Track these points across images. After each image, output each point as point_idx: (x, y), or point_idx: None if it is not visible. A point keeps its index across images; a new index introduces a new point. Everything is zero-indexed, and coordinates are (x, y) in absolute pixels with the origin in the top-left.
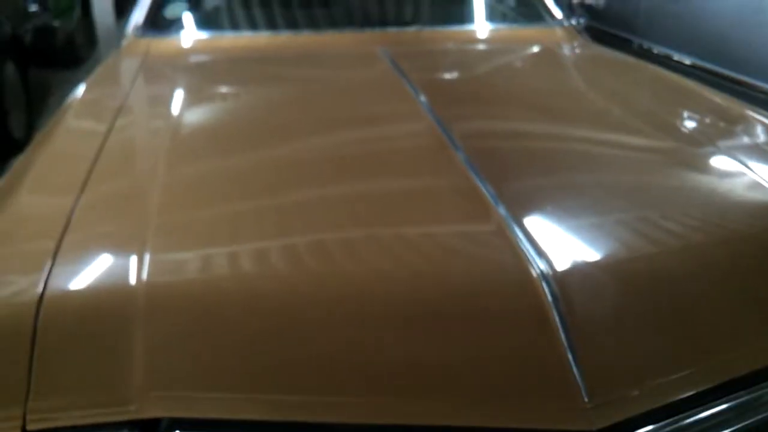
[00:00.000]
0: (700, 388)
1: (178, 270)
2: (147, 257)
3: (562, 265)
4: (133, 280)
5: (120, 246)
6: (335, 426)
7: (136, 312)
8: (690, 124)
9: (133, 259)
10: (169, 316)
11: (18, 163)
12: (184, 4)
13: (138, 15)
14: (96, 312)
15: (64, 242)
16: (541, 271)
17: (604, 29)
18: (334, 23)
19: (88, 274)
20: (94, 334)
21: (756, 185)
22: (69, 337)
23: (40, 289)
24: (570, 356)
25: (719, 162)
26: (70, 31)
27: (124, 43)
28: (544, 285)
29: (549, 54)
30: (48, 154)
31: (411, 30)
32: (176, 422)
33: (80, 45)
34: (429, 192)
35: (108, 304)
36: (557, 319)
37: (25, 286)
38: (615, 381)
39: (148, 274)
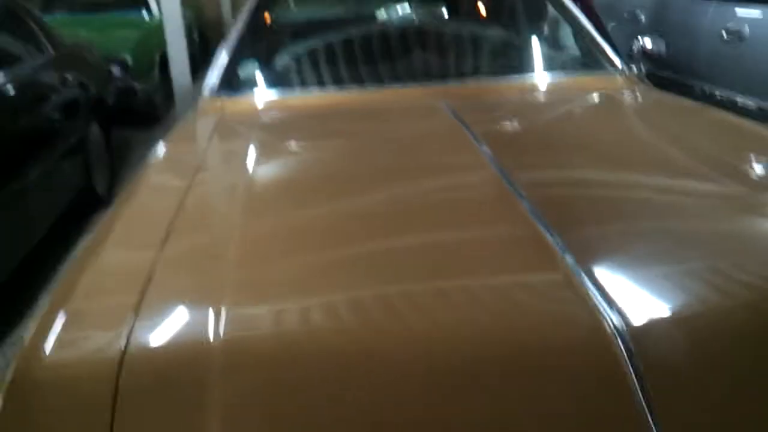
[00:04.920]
0: None
1: (255, 325)
2: (224, 312)
3: (635, 318)
4: (211, 335)
5: (199, 301)
6: None
7: (213, 367)
8: (758, 169)
9: (211, 315)
10: (247, 371)
11: (104, 220)
12: (256, 65)
13: (213, 75)
14: (176, 368)
15: (146, 298)
16: (614, 325)
17: (666, 75)
18: (397, 78)
19: (168, 329)
20: (173, 390)
21: None
22: (150, 392)
23: (122, 344)
24: (649, 417)
25: None
26: (150, 91)
27: (200, 102)
28: (618, 339)
29: (610, 101)
30: (130, 211)
31: (472, 82)
32: None
33: (159, 104)
34: (495, 242)
35: (187, 360)
36: (633, 376)
37: (108, 342)
38: None
39: (225, 330)
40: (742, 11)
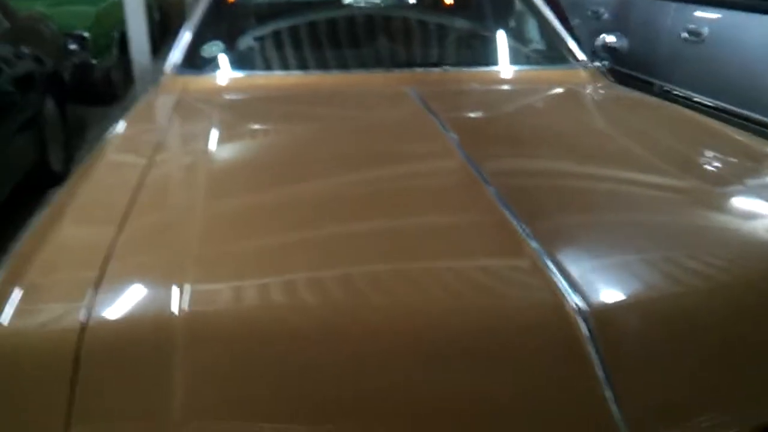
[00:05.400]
0: (739, 430)
1: (217, 301)
2: (186, 287)
3: (597, 300)
4: (172, 309)
5: (161, 276)
6: None
7: (175, 341)
8: (715, 163)
9: (174, 289)
10: (209, 346)
11: (59, 195)
12: (220, 45)
13: (175, 53)
14: (137, 340)
15: (107, 272)
16: (577, 307)
17: (628, 72)
18: (364, 63)
19: (130, 303)
20: (134, 363)
21: None
22: (110, 365)
23: (83, 317)
24: (608, 394)
25: (745, 201)
26: (108, 69)
27: (162, 80)
28: (581, 321)
29: (574, 95)
30: (90, 185)
31: (438, 71)
32: None
33: (117, 82)
34: (461, 227)
35: (149, 333)
36: (594, 355)
37: (69, 314)
38: (654, 419)
39: (188, 305)
40: (702, 13)
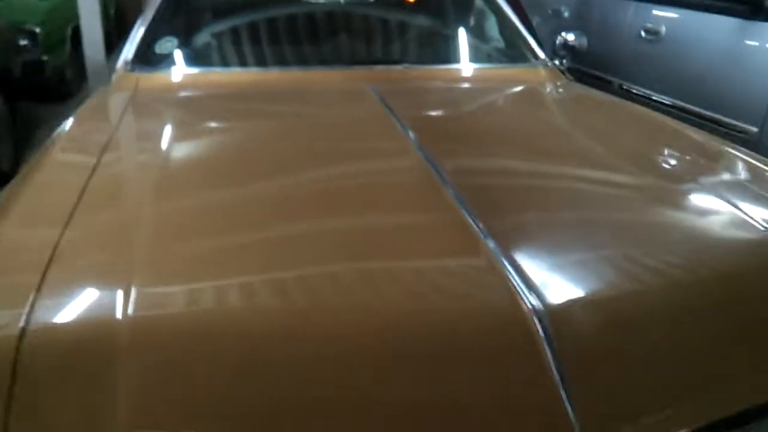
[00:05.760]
0: (693, 426)
1: (164, 304)
2: (132, 291)
3: (553, 300)
4: (118, 314)
5: (105, 279)
6: None
7: (120, 347)
8: (672, 162)
9: (119, 293)
10: (154, 351)
11: (3, 194)
12: (174, 41)
13: (128, 50)
14: (79, 347)
15: (49, 275)
16: (533, 306)
17: (587, 70)
18: (322, 61)
19: (72, 308)
20: (76, 370)
21: (738, 221)
22: (51, 372)
23: (22, 323)
24: (563, 393)
25: (701, 199)
26: (60, 66)
27: (114, 77)
28: (536, 320)
29: (533, 93)
30: (34, 186)
31: (398, 68)
32: None
33: (70, 79)
34: (418, 227)
35: (92, 339)
36: (549, 354)
37: (7, 321)
38: (608, 418)
39: (133, 308)
40: (660, 12)
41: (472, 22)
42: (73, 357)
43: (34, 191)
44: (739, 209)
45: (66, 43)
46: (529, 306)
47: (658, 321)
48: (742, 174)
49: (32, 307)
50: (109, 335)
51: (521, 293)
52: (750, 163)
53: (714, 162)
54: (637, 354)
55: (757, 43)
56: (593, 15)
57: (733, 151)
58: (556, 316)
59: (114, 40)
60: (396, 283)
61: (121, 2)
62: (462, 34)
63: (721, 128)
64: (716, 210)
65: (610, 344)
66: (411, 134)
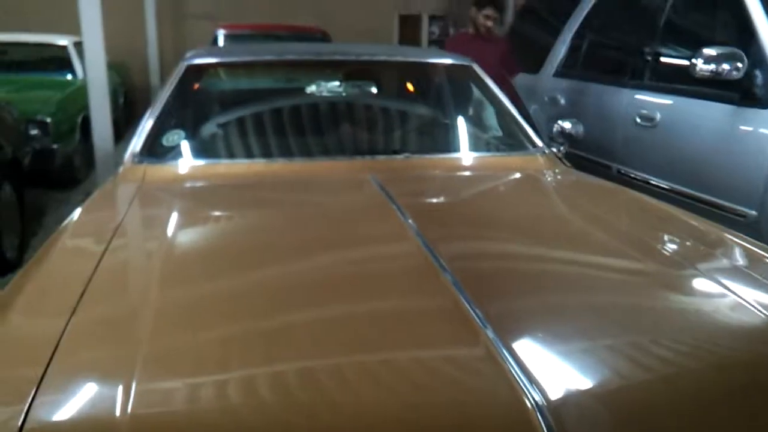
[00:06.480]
0: None
1: (165, 401)
2: (133, 387)
3: (556, 394)
4: (117, 411)
5: (106, 375)
6: None
7: None
8: (671, 248)
9: (119, 390)
10: None
11: (10, 285)
12: (181, 133)
13: (136, 142)
14: None
15: (49, 371)
16: (535, 402)
17: (585, 156)
18: (325, 152)
19: (71, 405)
20: None
21: (738, 307)
22: None
23: (19, 422)
24: None
25: (701, 284)
26: (69, 154)
27: (121, 169)
28: (539, 416)
29: (531, 180)
30: (41, 276)
31: (399, 158)
32: None
33: (78, 167)
34: (417, 315)
35: None
36: None
37: (5, 418)
38: None
39: (133, 406)
40: (654, 99)
41: (470, 111)
42: None
43: (40, 281)
44: (739, 296)
45: (75, 132)
46: (531, 399)
47: (665, 414)
48: (740, 260)
49: (30, 404)
50: None
51: (522, 385)
52: (748, 249)
53: (713, 248)
54: None
55: (750, 128)
56: (589, 102)
57: (731, 237)
58: (559, 409)
59: (122, 128)
60: (395, 375)
61: (130, 92)
62: (461, 123)
63: (720, 212)
64: (716, 295)
65: None
66: (410, 221)
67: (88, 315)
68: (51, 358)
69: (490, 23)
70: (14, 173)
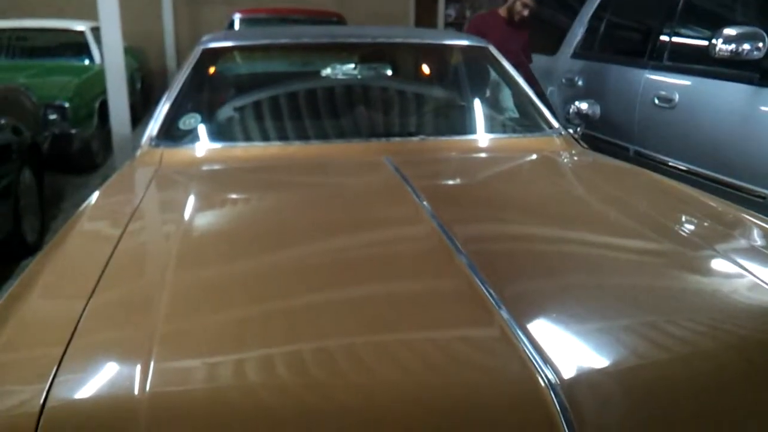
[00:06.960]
0: None
1: (182, 380)
2: (151, 366)
3: (569, 373)
4: (136, 390)
5: (125, 355)
6: None
7: (138, 423)
8: (688, 228)
9: (138, 369)
10: (172, 427)
11: (30, 268)
12: (198, 117)
13: (153, 126)
14: (98, 423)
15: (69, 351)
16: (549, 381)
17: (601, 137)
18: (341, 134)
19: (91, 384)
20: None
21: (756, 287)
22: None
23: (41, 400)
24: None
25: (719, 265)
26: (87, 138)
27: (139, 152)
28: (552, 395)
29: (547, 161)
30: (60, 259)
31: (415, 140)
32: None
33: (96, 151)
34: (432, 296)
35: (110, 415)
36: (566, 429)
37: (27, 397)
38: None
39: (152, 385)
40: (672, 80)
41: (486, 93)
42: None
43: (59, 264)
44: (756, 276)
45: (93, 117)
46: (545, 378)
47: (679, 393)
48: (759, 240)
49: (51, 383)
50: (126, 412)
51: (536, 365)
52: (766, 229)
53: (731, 228)
54: (657, 426)
55: None
56: (607, 83)
57: (749, 218)
58: (573, 389)
59: (139, 112)
60: (411, 355)
61: (147, 77)
62: (477, 105)
63: (739, 193)
64: (734, 276)
65: (628, 417)
66: (426, 203)
67: (106, 296)
68: (71, 338)
69: (526, 12)
70: (33, 158)
